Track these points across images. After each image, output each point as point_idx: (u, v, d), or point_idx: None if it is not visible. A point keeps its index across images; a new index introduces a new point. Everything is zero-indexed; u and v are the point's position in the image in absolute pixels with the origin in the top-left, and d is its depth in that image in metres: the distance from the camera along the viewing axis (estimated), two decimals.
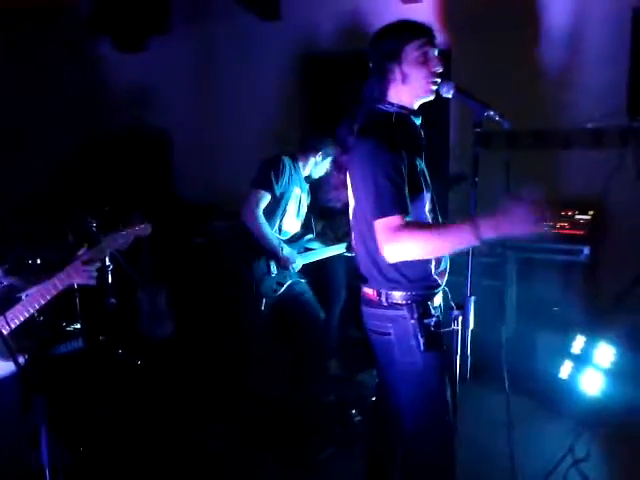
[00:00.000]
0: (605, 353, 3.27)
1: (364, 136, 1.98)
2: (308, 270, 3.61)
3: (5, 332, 2.05)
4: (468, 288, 1.92)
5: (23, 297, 2.22)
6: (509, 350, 3.18)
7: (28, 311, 2.16)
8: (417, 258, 1.91)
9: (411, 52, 1.97)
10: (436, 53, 2.01)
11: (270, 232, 3.27)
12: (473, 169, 1.92)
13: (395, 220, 1.86)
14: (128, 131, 5.37)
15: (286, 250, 3.31)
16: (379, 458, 2.42)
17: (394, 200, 1.86)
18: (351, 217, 2.14)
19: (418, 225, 1.90)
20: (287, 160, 3.34)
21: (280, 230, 3.41)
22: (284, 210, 3.37)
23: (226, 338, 3.91)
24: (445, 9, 4.51)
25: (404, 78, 1.99)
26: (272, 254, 3.29)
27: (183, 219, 5.27)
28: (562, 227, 3.85)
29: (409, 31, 1.99)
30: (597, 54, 4.10)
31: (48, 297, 2.18)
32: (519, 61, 4.32)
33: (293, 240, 3.48)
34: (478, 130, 1.90)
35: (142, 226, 2.41)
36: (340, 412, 3.36)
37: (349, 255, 3.57)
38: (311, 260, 3.53)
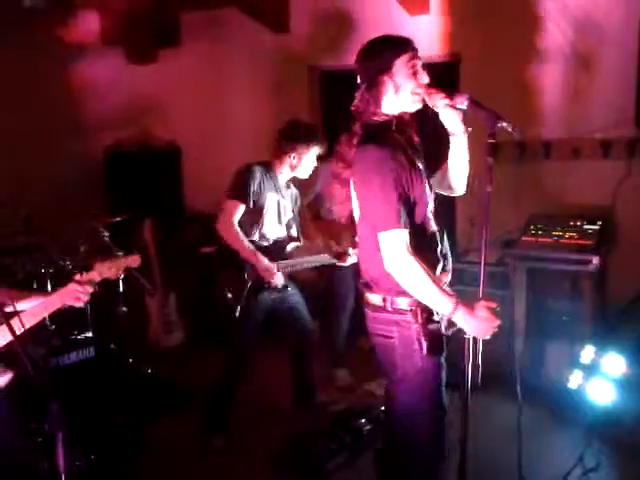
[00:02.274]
0: (614, 363, 3.26)
1: (365, 147, 2.04)
2: (315, 277, 3.60)
3: None
4: (480, 296, 1.94)
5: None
6: (518, 360, 3.19)
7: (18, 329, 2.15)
8: (404, 285, 1.97)
9: (402, 65, 2.06)
10: (421, 65, 2.10)
11: (245, 243, 3.20)
12: (487, 179, 1.93)
13: (401, 234, 1.94)
14: (139, 143, 5.42)
15: (264, 262, 3.21)
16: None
17: (397, 212, 1.94)
18: (357, 227, 2.18)
19: (424, 265, 1.95)
20: (257, 168, 3.30)
21: (262, 237, 3.36)
22: (262, 218, 3.33)
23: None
24: (452, 20, 4.55)
25: (397, 89, 2.07)
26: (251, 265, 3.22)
27: (192, 229, 5.31)
28: (571, 237, 3.85)
29: (397, 45, 2.10)
30: (605, 65, 4.11)
31: (39, 318, 2.19)
32: (527, 72, 4.34)
33: (277, 247, 3.41)
34: (492, 141, 1.93)
35: (132, 257, 2.48)
36: (349, 421, 3.36)
37: (341, 265, 3.49)
38: (296, 269, 3.43)
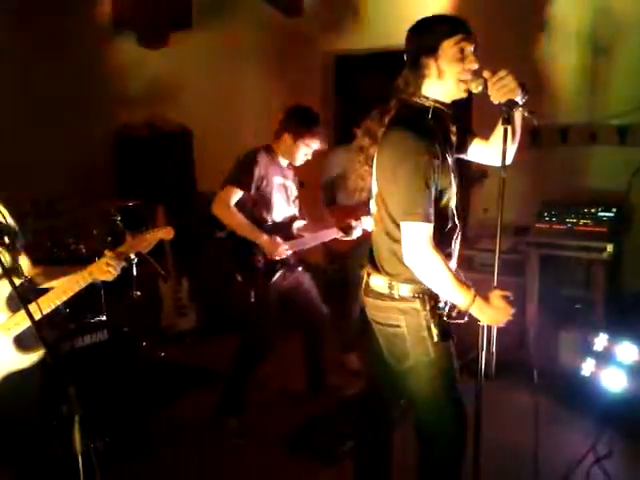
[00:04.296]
0: (628, 351, 3.24)
1: (398, 129, 1.98)
2: (330, 261, 3.59)
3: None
4: (495, 283, 1.93)
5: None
6: (532, 347, 3.18)
7: (51, 305, 2.17)
8: (422, 278, 1.96)
9: (449, 48, 1.96)
10: (472, 49, 1.99)
11: (243, 220, 3.17)
12: (502, 166, 1.91)
13: (426, 228, 1.91)
14: (150, 126, 5.41)
15: (264, 237, 3.19)
16: (370, 453, 2.44)
17: (426, 206, 1.90)
18: (374, 206, 2.15)
19: (445, 260, 1.95)
20: (262, 154, 3.28)
21: (274, 221, 3.35)
22: (271, 202, 3.32)
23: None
24: (468, 1, 4.48)
25: (440, 74, 1.98)
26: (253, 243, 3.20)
27: (205, 213, 5.31)
28: (585, 224, 3.82)
29: (447, 26, 1.98)
30: (624, 51, 4.05)
31: (70, 293, 2.19)
32: (543, 56, 4.29)
33: (286, 227, 3.40)
34: (507, 127, 1.90)
35: (165, 230, 2.43)
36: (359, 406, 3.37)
37: (347, 239, 3.49)
38: (301, 247, 3.42)
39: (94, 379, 3.16)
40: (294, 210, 3.49)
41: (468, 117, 4.54)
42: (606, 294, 3.72)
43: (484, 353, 1.96)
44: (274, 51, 5.37)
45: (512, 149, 2.14)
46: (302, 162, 3.41)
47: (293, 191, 3.49)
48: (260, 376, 3.51)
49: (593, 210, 3.87)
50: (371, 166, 2.12)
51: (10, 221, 2.24)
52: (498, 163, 2.16)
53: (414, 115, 2.00)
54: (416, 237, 1.91)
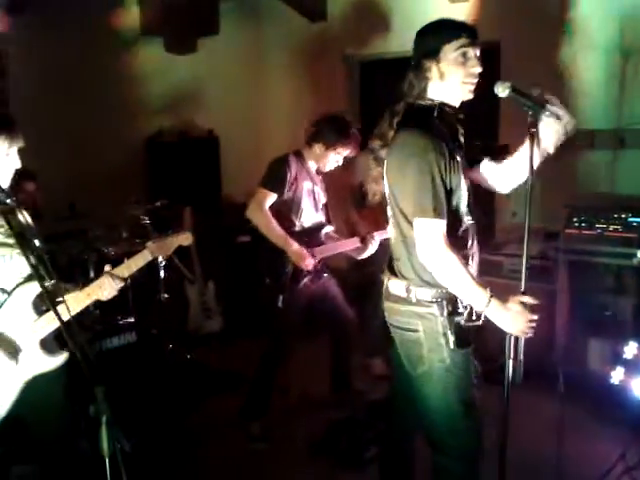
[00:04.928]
0: None
1: (405, 130, 2.00)
2: (355, 265, 3.57)
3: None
4: (522, 289, 1.91)
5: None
6: (560, 355, 3.13)
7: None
8: (437, 277, 1.94)
9: (450, 52, 1.98)
10: (476, 53, 2.01)
11: (276, 228, 3.19)
12: (530, 170, 1.90)
13: (439, 224, 1.91)
14: (178, 132, 5.47)
15: (293, 246, 3.20)
16: (396, 457, 2.44)
17: (436, 202, 1.90)
18: (388, 208, 2.15)
19: (461, 258, 1.94)
20: (292, 158, 3.32)
21: (302, 226, 3.37)
22: (300, 207, 3.34)
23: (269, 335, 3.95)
24: (492, 7, 4.45)
25: (441, 76, 2.01)
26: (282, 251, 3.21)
27: (230, 218, 5.36)
28: (615, 230, 3.75)
29: (449, 30, 2.01)
30: None
31: (82, 305, 2.18)
32: (569, 60, 4.24)
33: (314, 233, 3.42)
34: (534, 130, 1.89)
35: (184, 235, 2.45)
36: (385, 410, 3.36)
37: (362, 249, 3.46)
38: (328, 254, 3.42)
39: (122, 380, 3.21)
40: (322, 216, 3.51)
41: (495, 123, 4.52)
42: (636, 301, 3.65)
43: (511, 360, 1.93)
44: (299, 57, 5.40)
45: (521, 177, 2.12)
46: (332, 168, 3.42)
47: (321, 197, 3.50)
48: (284, 381, 3.52)
49: (623, 215, 3.80)
50: (383, 169, 2.13)
51: (30, 225, 2.27)
52: (505, 189, 2.20)
53: (420, 116, 2.02)
54: (429, 233, 1.91)
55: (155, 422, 3.32)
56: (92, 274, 3.66)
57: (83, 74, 4.76)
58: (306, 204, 3.38)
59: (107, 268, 2.24)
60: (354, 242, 3.48)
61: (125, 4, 5.19)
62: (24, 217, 2.20)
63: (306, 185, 3.36)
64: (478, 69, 2.00)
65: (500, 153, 2.23)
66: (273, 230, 3.19)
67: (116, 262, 2.32)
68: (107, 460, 1.66)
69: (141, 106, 5.34)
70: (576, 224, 3.87)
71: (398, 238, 2.09)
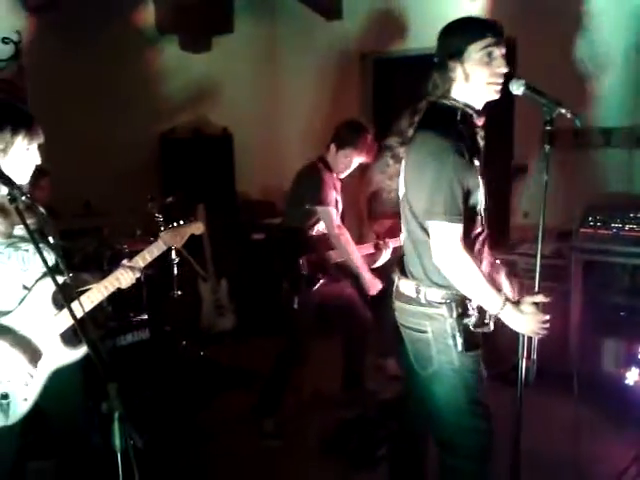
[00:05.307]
0: None
1: (427, 130, 1.98)
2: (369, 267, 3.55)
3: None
4: (536, 289, 1.90)
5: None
6: (574, 355, 3.11)
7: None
8: (452, 280, 1.93)
9: (475, 52, 1.94)
10: (502, 52, 1.96)
11: (355, 251, 3.28)
12: (545, 168, 1.89)
13: (455, 229, 1.89)
14: (194, 130, 5.50)
15: (370, 276, 3.30)
16: (407, 457, 2.44)
17: (453, 205, 1.89)
18: (401, 207, 2.14)
19: (476, 262, 1.93)
20: (324, 170, 3.34)
21: (319, 232, 3.39)
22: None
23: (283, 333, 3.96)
24: (508, 4, 4.42)
25: (466, 77, 1.97)
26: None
27: (244, 215, 5.37)
28: (631, 229, 3.71)
29: (474, 30, 1.96)
30: None
31: (93, 304, 2.21)
32: (588, 58, 4.20)
33: (325, 238, 3.40)
34: (549, 128, 1.87)
35: (196, 225, 2.48)
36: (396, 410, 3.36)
37: (377, 263, 3.47)
38: (341, 260, 3.41)
39: (135, 377, 3.23)
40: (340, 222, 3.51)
41: (510, 120, 4.49)
42: None
43: (525, 360, 1.92)
44: (314, 55, 5.39)
45: None
46: (345, 174, 3.43)
47: (340, 204, 3.50)
48: (297, 379, 3.53)
49: (639, 215, 3.76)
50: (400, 166, 2.12)
51: (48, 220, 2.30)
52: None
53: (442, 116, 2.00)
54: (445, 236, 1.90)
55: (167, 419, 3.34)
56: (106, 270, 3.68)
57: (99, 72, 4.79)
58: (338, 214, 3.39)
59: (125, 262, 2.28)
60: (367, 248, 3.49)
61: (140, 3, 5.22)
62: (40, 214, 2.22)
63: (333, 195, 3.35)
64: (504, 69, 1.96)
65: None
66: (355, 255, 3.28)
67: (131, 259, 2.34)
68: (119, 456, 1.67)
69: (156, 104, 5.37)
70: (591, 223, 3.83)
71: (408, 238, 2.08)
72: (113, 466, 1.62)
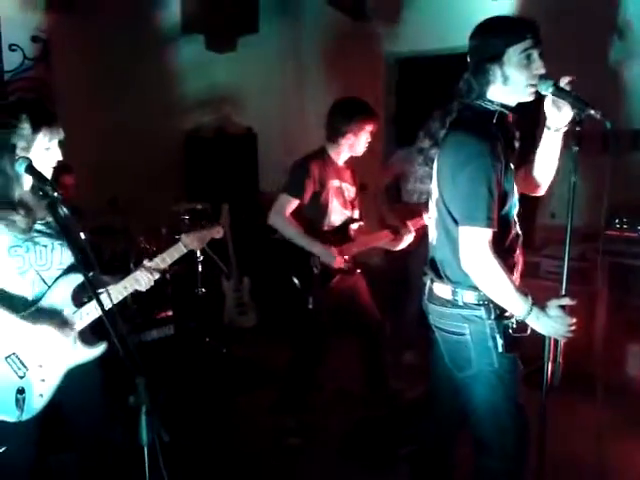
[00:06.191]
0: None
1: (460, 131, 1.95)
2: (390, 259, 3.51)
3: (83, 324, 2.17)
4: (563, 292, 1.89)
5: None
6: (600, 360, 3.08)
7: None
8: (480, 285, 1.91)
9: (514, 55, 1.90)
10: (540, 53, 1.93)
11: (297, 231, 3.19)
12: (573, 170, 1.87)
13: (486, 234, 1.87)
14: (218, 129, 5.54)
15: (319, 247, 3.19)
16: (432, 456, 2.43)
17: (487, 210, 1.86)
18: (434, 209, 2.12)
19: (503, 266, 1.90)
20: (313, 160, 3.27)
21: (331, 225, 3.34)
22: (328, 207, 3.31)
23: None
24: (534, 3, 4.37)
25: (505, 80, 1.93)
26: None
27: (267, 215, 5.39)
28: None
29: (513, 32, 1.92)
30: None
31: (120, 297, 2.23)
32: (616, 59, 4.14)
33: (343, 231, 3.38)
34: (578, 129, 1.86)
35: (216, 229, 2.50)
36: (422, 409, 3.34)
37: (396, 247, 3.41)
38: (359, 250, 3.38)
39: (160, 372, 3.26)
40: (351, 212, 3.45)
41: (536, 120, 4.44)
42: None
43: (550, 363, 1.91)
44: (338, 55, 5.39)
45: (551, 172, 2.13)
46: (364, 149, 3.32)
47: (351, 193, 3.45)
48: (319, 376, 3.53)
49: None
50: (431, 168, 2.10)
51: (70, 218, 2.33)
52: (539, 190, 2.18)
53: (477, 118, 1.96)
54: (475, 242, 1.87)
55: (190, 414, 3.37)
56: (132, 268, 3.73)
57: (124, 71, 4.85)
58: (334, 203, 3.35)
59: (145, 262, 2.30)
60: (385, 236, 3.43)
61: (167, 2, 5.28)
62: (66, 210, 2.25)
63: (333, 183, 3.32)
64: (542, 70, 1.92)
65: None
66: (294, 234, 3.19)
67: (151, 259, 2.37)
68: (146, 450, 1.69)
69: (180, 103, 5.42)
70: (617, 225, 3.79)
71: (444, 240, 2.04)
72: (134, 461, 1.64)
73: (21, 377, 2.07)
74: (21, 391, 2.06)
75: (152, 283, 2.28)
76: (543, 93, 1.95)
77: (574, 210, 1.90)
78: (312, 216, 3.28)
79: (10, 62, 4.19)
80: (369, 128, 3.24)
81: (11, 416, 2.06)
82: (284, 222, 3.20)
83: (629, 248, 3.64)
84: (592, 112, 1.88)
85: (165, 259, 2.34)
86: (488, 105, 1.98)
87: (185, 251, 2.39)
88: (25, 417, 2.08)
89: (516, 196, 2.01)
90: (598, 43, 4.17)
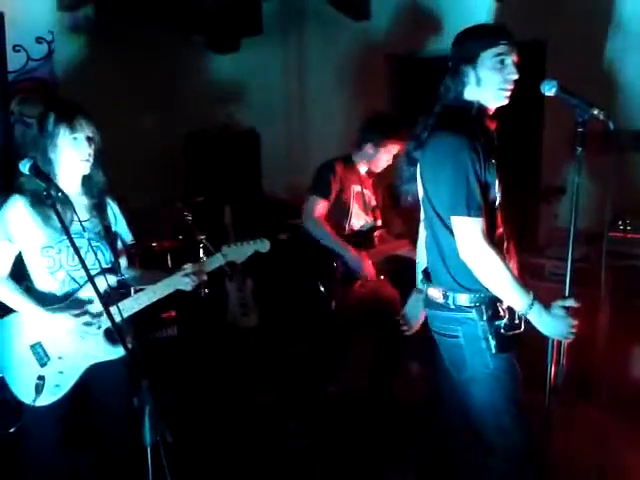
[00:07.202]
0: None
1: (442, 129, 2.01)
2: (395, 264, 3.53)
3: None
4: (566, 293, 1.89)
5: (132, 292, 2.36)
6: (603, 362, 3.07)
7: (134, 307, 2.28)
8: (479, 276, 1.92)
9: (488, 58, 2.01)
10: (513, 60, 2.02)
11: (332, 235, 3.24)
12: (577, 171, 1.88)
13: (477, 222, 1.90)
14: (220, 128, 5.54)
15: (352, 252, 3.22)
16: (436, 458, 2.46)
17: (473, 200, 1.90)
18: (422, 212, 2.16)
19: (501, 255, 1.93)
20: (338, 163, 3.35)
21: (351, 229, 3.39)
22: (349, 210, 3.37)
23: (306, 333, 3.96)
24: (538, 3, 4.37)
25: (478, 81, 2.02)
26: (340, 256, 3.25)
27: (270, 215, 5.40)
28: None
29: (487, 37, 2.03)
30: None
31: (155, 299, 2.30)
32: (619, 59, 4.13)
33: (365, 237, 3.42)
34: (581, 130, 1.87)
35: (262, 242, 2.46)
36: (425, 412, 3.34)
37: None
38: (378, 258, 3.39)
39: (163, 373, 3.26)
40: (373, 219, 3.50)
41: (540, 120, 4.43)
42: None
43: (553, 365, 1.91)
44: (341, 55, 5.40)
45: None
46: (384, 167, 3.40)
47: (372, 200, 3.50)
48: (325, 379, 3.53)
49: None
50: (416, 170, 2.14)
51: (120, 219, 2.36)
52: None
53: (455, 117, 2.03)
54: (468, 231, 1.91)
55: (193, 415, 3.37)
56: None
57: (127, 71, 4.86)
58: (355, 208, 3.41)
59: (186, 266, 2.34)
60: (404, 244, 3.46)
61: (171, 3, 5.27)
62: (114, 214, 2.30)
63: (355, 188, 3.39)
64: (514, 76, 2.02)
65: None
66: (326, 234, 3.23)
67: (161, 256, 2.38)
68: (149, 450, 1.70)
69: (183, 103, 5.43)
70: (621, 227, 3.78)
71: (432, 242, 2.09)
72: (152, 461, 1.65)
73: (42, 365, 2.17)
74: (41, 378, 2.15)
75: (190, 288, 2.33)
76: (546, 94, 1.96)
77: (578, 212, 1.89)
78: (335, 218, 3.33)
79: (14, 63, 4.19)
80: (393, 150, 3.31)
81: (28, 399, 2.15)
82: (315, 224, 3.26)
83: (633, 250, 3.63)
84: (596, 112, 1.89)
85: (202, 267, 2.38)
86: (465, 104, 2.06)
87: (223, 262, 2.41)
88: (39, 403, 2.15)
89: (497, 191, 2.04)
90: (600, 43, 4.16)
